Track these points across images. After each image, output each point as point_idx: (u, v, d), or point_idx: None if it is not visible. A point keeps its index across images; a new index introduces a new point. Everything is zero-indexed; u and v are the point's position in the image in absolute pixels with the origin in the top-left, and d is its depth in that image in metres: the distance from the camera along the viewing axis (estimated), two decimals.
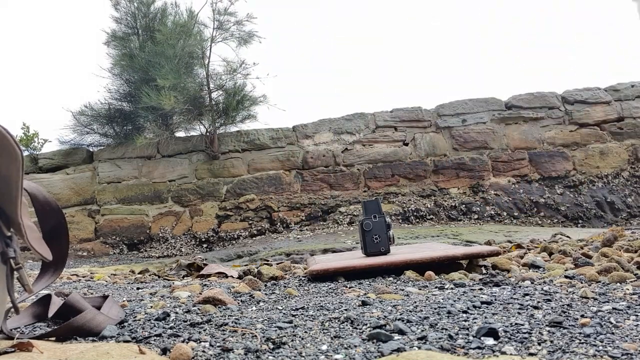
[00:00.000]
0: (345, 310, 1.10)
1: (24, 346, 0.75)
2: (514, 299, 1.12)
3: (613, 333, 0.80)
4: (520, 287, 1.31)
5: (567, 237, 3.23)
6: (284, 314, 1.10)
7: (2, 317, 0.85)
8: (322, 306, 1.16)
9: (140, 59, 5.53)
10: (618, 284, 1.28)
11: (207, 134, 5.68)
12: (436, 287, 1.40)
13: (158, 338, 0.89)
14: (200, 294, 1.44)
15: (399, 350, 0.75)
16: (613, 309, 0.97)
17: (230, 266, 2.71)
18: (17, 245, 0.82)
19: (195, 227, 5.55)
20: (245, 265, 2.85)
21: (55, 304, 1.09)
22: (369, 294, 1.33)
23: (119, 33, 6.06)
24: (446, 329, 0.87)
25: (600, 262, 1.63)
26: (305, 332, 0.91)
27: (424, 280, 1.57)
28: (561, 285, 1.29)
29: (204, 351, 0.79)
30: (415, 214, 5.38)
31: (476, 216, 5.38)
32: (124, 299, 1.42)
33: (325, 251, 3.59)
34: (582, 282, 1.33)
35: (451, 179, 5.69)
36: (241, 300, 1.35)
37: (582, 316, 0.91)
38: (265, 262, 2.99)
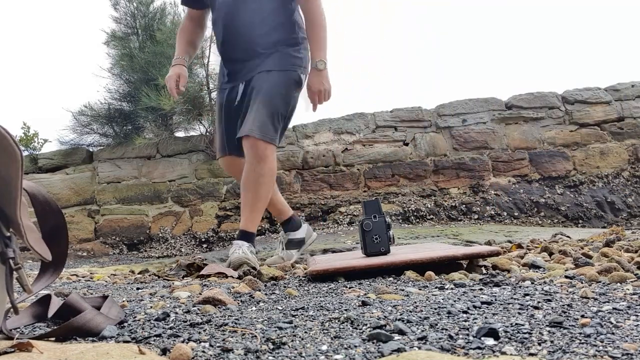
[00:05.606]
0: (346, 310, 1.10)
1: (24, 346, 0.75)
2: (514, 299, 1.12)
3: (613, 333, 0.79)
4: (520, 287, 1.31)
5: (568, 237, 3.23)
6: (284, 314, 1.10)
7: (2, 317, 0.85)
8: (322, 306, 1.16)
9: (140, 59, 5.54)
10: (618, 284, 1.28)
11: (207, 133, 5.68)
12: (436, 287, 1.40)
13: (158, 338, 0.89)
14: (200, 294, 1.44)
15: (399, 350, 0.75)
16: (613, 309, 0.97)
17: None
18: (16, 245, 0.82)
19: (195, 227, 5.55)
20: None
21: (55, 304, 1.09)
22: (369, 294, 1.32)
23: (119, 33, 6.06)
24: (446, 329, 0.87)
25: (601, 262, 1.63)
26: (305, 332, 0.91)
27: (424, 280, 1.57)
28: (561, 285, 1.28)
29: (203, 351, 0.78)
30: (415, 214, 5.37)
31: (476, 216, 5.38)
32: (124, 299, 1.42)
33: (325, 251, 3.59)
34: (582, 282, 1.33)
35: (451, 179, 5.69)
36: (241, 301, 1.35)
37: (583, 316, 0.91)
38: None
